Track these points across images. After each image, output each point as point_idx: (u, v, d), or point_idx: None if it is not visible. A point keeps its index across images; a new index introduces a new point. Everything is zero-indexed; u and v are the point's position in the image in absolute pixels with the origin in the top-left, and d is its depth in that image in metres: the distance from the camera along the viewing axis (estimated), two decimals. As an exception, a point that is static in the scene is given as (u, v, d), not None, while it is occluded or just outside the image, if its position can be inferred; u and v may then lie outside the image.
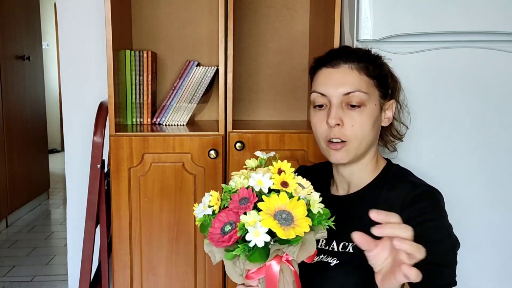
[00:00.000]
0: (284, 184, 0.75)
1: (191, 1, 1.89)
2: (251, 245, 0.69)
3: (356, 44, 1.31)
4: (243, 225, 0.70)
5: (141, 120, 1.76)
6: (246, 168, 0.85)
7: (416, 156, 1.31)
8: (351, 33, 1.37)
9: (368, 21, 1.30)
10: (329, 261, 0.97)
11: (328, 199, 1.06)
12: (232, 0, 1.54)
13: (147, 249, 1.60)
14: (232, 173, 0.81)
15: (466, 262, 1.10)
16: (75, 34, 1.98)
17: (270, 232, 0.68)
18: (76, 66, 1.99)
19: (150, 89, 1.75)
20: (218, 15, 1.55)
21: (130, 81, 1.73)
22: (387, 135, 1.11)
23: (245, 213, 0.71)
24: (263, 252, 0.70)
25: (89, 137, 1.67)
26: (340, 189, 1.06)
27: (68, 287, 2.14)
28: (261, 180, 0.74)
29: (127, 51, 1.71)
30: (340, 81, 0.97)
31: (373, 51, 1.07)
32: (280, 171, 0.77)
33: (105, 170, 1.66)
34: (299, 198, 0.73)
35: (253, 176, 0.75)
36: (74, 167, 2.05)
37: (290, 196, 0.73)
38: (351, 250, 0.96)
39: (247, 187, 0.74)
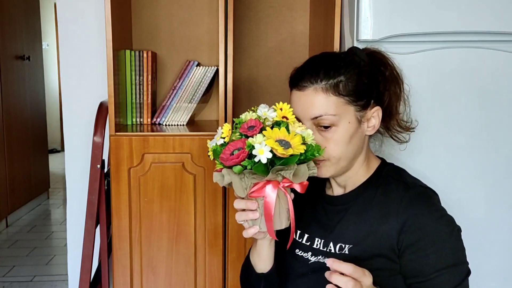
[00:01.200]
0: (285, 118, 0.90)
1: (191, 1, 1.89)
2: (256, 159, 0.82)
3: (356, 44, 1.31)
4: (250, 144, 0.84)
5: (141, 120, 1.76)
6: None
7: (415, 156, 1.31)
8: (351, 33, 1.37)
9: (368, 21, 1.30)
10: (325, 261, 0.98)
11: (323, 199, 1.07)
12: (232, 0, 1.54)
13: (147, 249, 1.60)
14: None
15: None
16: (75, 34, 1.98)
17: (271, 159, 0.82)
18: (76, 66, 1.99)
19: (150, 89, 1.75)
20: (218, 15, 1.55)
21: (130, 81, 1.73)
22: (394, 127, 1.06)
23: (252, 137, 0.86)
24: (265, 168, 0.84)
25: (89, 137, 1.67)
26: (335, 191, 1.06)
27: (68, 287, 2.14)
28: (266, 112, 0.90)
29: (127, 51, 1.71)
30: (306, 106, 0.96)
31: (361, 55, 1.01)
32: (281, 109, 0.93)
33: (105, 170, 1.66)
34: (295, 135, 0.86)
35: (260, 109, 0.91)
36: (74, 167, 2.05)
37: (288, 131, 0.87)
38: (347, 252, 0.97)
39: (255, 118, 0.90)
